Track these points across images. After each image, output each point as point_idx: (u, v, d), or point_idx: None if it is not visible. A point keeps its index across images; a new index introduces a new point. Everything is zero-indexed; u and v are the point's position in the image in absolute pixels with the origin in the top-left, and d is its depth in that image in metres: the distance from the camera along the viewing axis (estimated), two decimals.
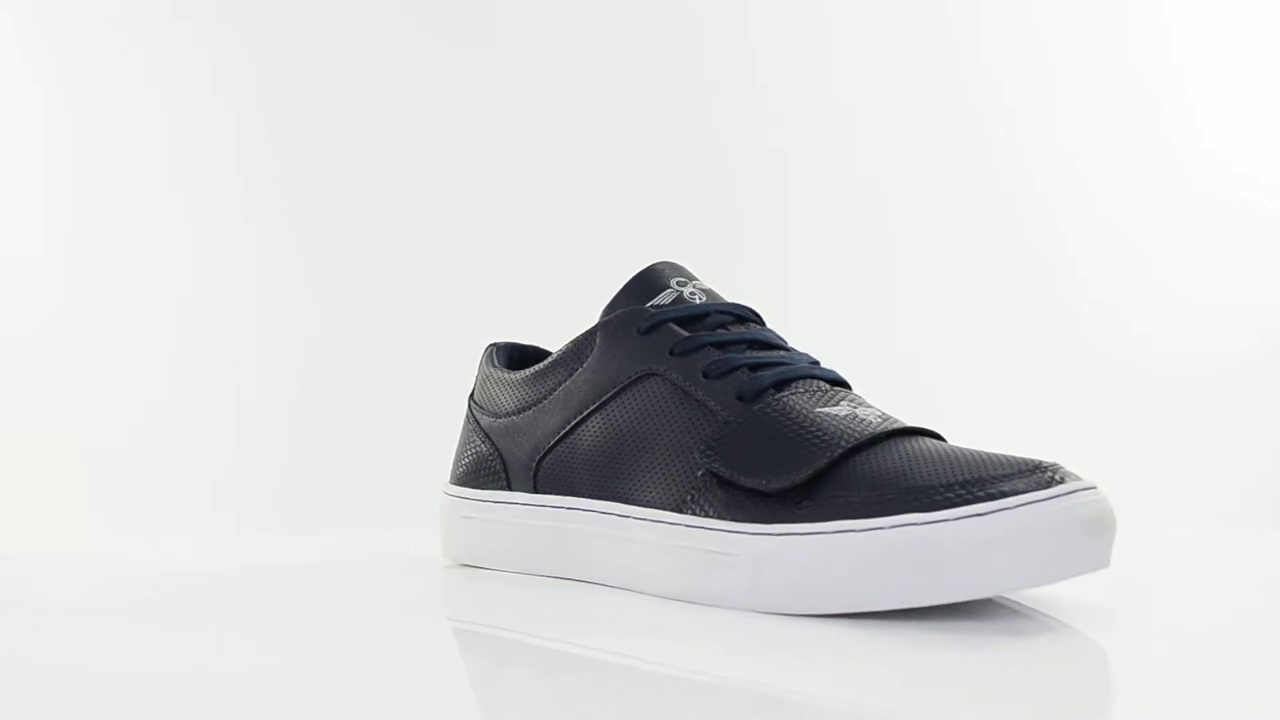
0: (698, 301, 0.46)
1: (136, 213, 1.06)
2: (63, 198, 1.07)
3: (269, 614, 0.42)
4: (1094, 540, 0.36)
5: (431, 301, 1.05)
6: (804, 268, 1.12)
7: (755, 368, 0.43)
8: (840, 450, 0.39)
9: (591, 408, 0.46)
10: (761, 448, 0.40)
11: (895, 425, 0.40)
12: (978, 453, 0.38)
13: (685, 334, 0.44)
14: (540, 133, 1.10)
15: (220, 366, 1.04)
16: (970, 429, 0.98)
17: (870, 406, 0.42)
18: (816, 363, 0.45)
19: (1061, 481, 0.36)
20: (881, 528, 0.36)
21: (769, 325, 0.47)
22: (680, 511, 0.42)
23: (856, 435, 0.39)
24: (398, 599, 0.46)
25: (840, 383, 0.44)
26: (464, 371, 0.56)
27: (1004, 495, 0.35)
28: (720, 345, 0.44)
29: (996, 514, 0.35)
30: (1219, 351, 1.14)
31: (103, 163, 1.08)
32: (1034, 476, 0.36)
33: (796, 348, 0.46)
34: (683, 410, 0.43)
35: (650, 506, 0.43)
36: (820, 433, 0.40)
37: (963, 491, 0.36)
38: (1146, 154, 1.18)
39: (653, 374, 0.44)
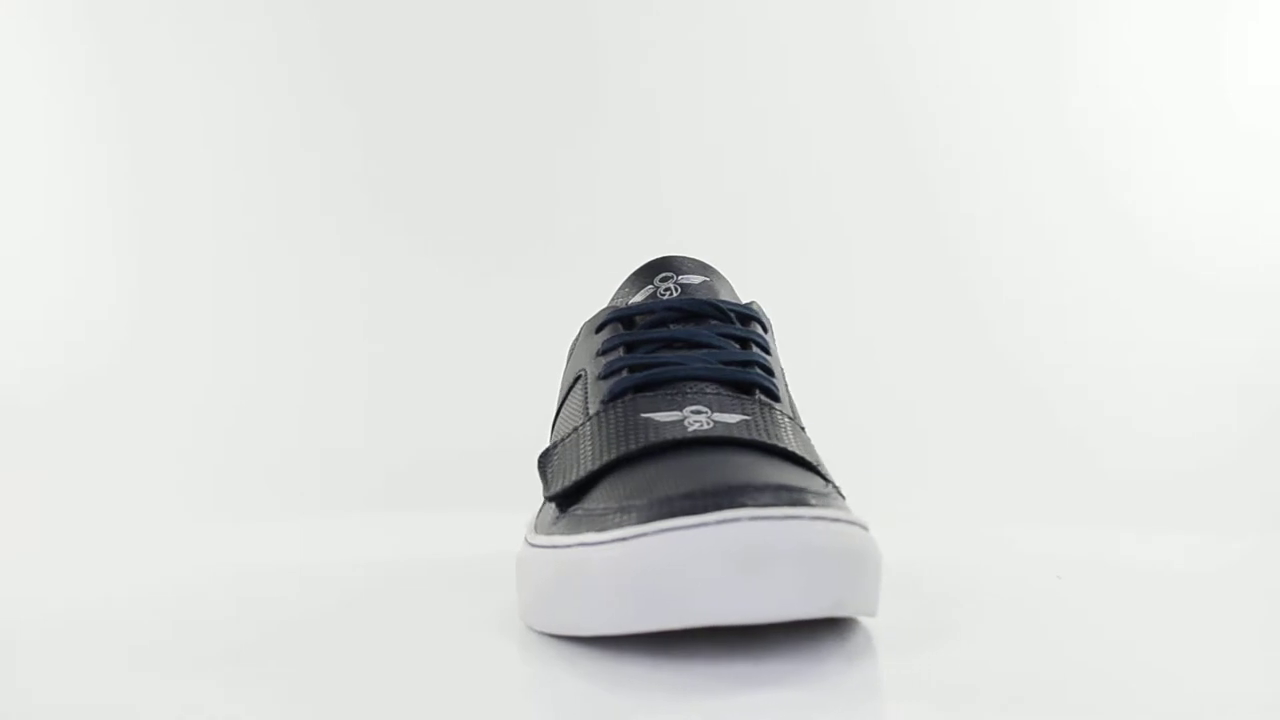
0: (669, 298, 0.44)
1: (171, 203, 1.08)
2: (65, 195, 1.07)
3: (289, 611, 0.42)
4: (762, 577, 0.28)
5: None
6: (809, 267, 1.12)
7: (637, 368, 0.40)
8: (605, 460, 0.36)
9: (558, 408, 0.46)
10: (570, 454, 0.38)
11: (700, 434, 0.36)
12: (750, 467, 0.33)
13: (622, 332, 0.42)
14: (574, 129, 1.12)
15: (220, 366, 1.04)
16: (970, 430, 0.98)
17: (751, 414, 0.37)
18: (753, 365, 0.41)
19: (787, 505, 0.29)
20: (568, 546, 0.33)
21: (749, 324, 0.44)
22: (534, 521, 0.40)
23: (635, 443, 0.36)
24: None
25: (747, 386, 0.40)
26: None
27: (665, 516, 0.30)
28: (631, 345, 0.42)
29: (640, 538, 0.30)
30: (1221, 345, 1.14)
31: (107, 160, 1.08)
32: (708, 496, 0.30)
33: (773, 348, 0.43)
34: (579, 413, 0.41)
35: (536, 513, 0.42)
36: (614, 439, 0.36)
37: (637, 513, 0.31)
38: (1145, 156, 1.18)
39: (582, 375, 0.43)
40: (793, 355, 0.55)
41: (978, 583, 0.47)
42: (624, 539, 0.30)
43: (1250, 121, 1.13)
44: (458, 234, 1.12)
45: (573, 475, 0.37)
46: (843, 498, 0.38)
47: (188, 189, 1.09)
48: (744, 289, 0.49)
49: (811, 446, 0.39)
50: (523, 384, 0.71)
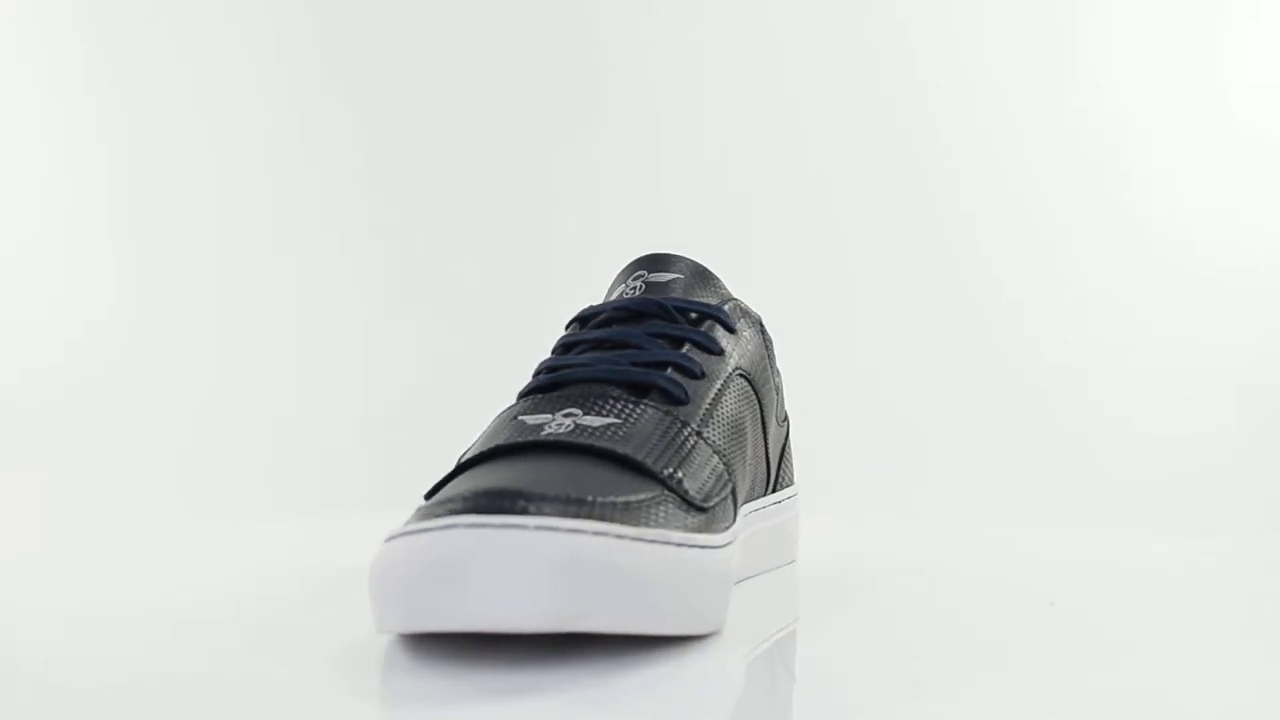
0: (631, 296, 0.42)
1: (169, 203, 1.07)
2: (65, 195, 1.07)
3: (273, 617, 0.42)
4: (465, 586, 0.28)
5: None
6: (811, 269, 1.12)
7: (554, 369, 0.40)
8: (462, 461, 0.36)
9: None
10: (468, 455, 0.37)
11: (552, 438, 0.34)
12: (554, 473, 0.32)
13: (577, 331, 0.42)
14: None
15: (219, 366, 1.04)
16: (970, 431, 0.98)
17: (624, 417, 0.36)
18: (667, 366, 0.39)
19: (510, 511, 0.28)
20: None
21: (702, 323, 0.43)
22: None
23: (487, 445, 0.35)
24: None
25: (643, 388, 0.38)
26: None
27: (419, 520, 0.29)
28: (568, 345, 0.41)
29: (389, 541, 0.30)
30: (1221, 345, 1.14)
31: (107, 160, 1.09)
32: (461, 501, 0.29)
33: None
34: None
35: None
36: (483, 440, 0.36)
37: (429, 512, 0.30)
38: (1149, 156, 1.18)
39: None
40: (793, 355, 0.54)
41: (977, 582, 0.47)
42: (385, 541, 0.31)
43: (1250, 121, 1.14)
44: (459, 235, 1.12)
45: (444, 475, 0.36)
46: (699, 511, 0.35)
47: (187, 190, 1.09)
48: (746, 289, 0.49)
49: (696, 451, 0.37)
50: (524, 383, 0.71)
